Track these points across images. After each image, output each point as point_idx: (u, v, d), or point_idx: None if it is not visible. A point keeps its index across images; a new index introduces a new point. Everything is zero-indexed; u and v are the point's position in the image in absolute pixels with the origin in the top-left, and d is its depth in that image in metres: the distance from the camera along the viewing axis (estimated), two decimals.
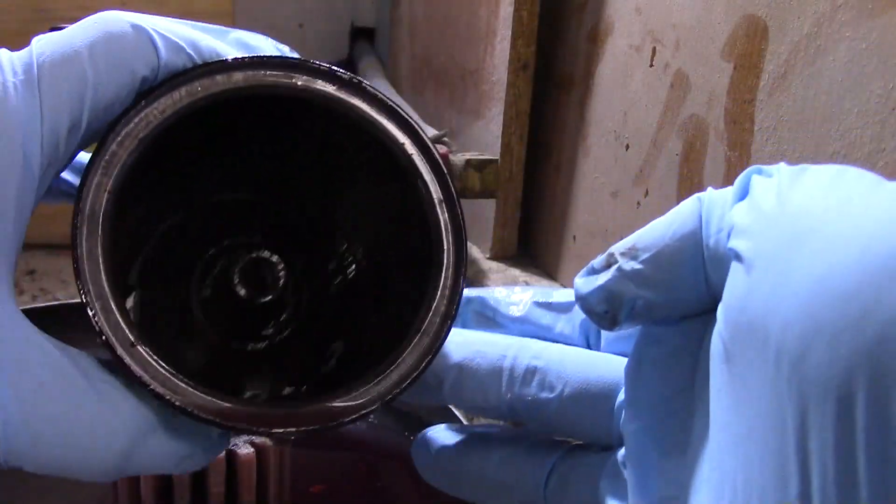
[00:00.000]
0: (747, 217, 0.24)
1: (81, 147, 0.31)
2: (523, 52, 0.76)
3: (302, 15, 1.39)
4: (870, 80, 0.39)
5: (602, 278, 0.28)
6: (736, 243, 0.24)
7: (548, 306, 0.33)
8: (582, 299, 0.28)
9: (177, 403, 0.29)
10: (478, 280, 0.75)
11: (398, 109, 0.34)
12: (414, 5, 1.15)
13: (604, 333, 0.33)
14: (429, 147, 0.34)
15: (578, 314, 0.33)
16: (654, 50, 0.59)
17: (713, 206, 0.26)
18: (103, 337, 0.29)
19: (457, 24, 0.94)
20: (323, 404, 0.31)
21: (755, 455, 0.22)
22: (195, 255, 0.39)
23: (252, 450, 0.49)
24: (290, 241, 0.39)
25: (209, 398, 0.29)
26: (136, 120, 0.30)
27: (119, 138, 0.30)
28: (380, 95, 0.34)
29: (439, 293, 0.33)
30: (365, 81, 0.34)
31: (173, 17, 0.35)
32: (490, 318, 0.34)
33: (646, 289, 0.27)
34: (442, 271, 0.33)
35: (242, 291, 0.36)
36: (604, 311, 0.28)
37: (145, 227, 0.38)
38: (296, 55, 0.35)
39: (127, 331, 0.29)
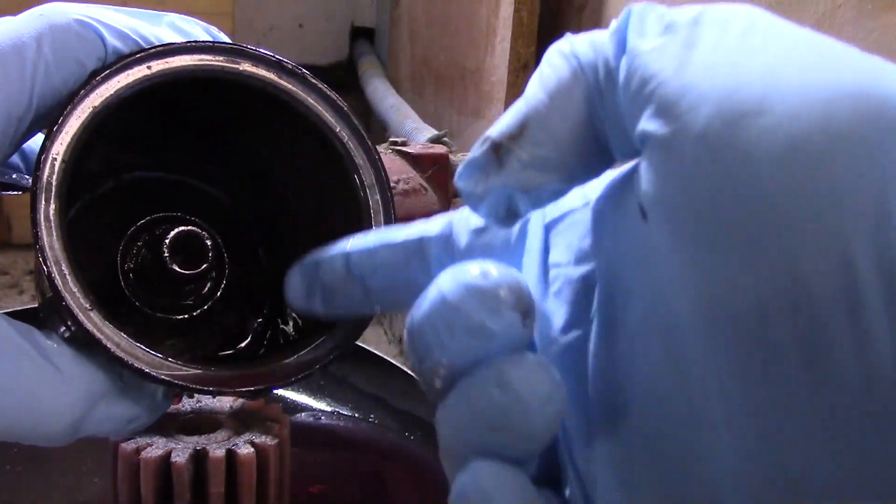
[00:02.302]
0: (649, 89, 0.21)
1: (28, 134, 0.32)
2: (523, 52, 0.76)
3: (302, 15, 1.39)
4: None
5: (498, 174, 0.24)
6: (650, 125, 0.21)
7: (395, 247, 0.29)
8: (476, 201, 0.25)
9: (136, 366, 0.30)
10: None
11: (335, 98, 0.37)
12: (414, 5, 1.15)
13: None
14: (362, 134, 0.37)
15: (428, 252, 0.29)
16: None
17: (592, 61, 0.23)
18: (63, 302, 0.30)
19: (457, 24, 0.94)
20: (273, 364, 0.34)
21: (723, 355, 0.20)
22: (122, 226, 0.40)
23: (252, 450, 0.49)
24: (218, 219, 0.41)
25: (165, 361, 0.31)
26: (92, 95, 0.32)
27: (75, 111, 0.32)
28: (319, 84, 0.36)
29: None
30: (305, 71, 0.36)
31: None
32: (343, 280, 0.30)
33: (552, 172, 0.24)
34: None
35: (172, 263, 0.37)
36: (506, 210, 0.25)
37: (84, 185, 0.39)
38: (227, 39, 0.36)
39: (82, 297, 0.30)
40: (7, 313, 0.71)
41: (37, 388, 0.29)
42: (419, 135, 0.79)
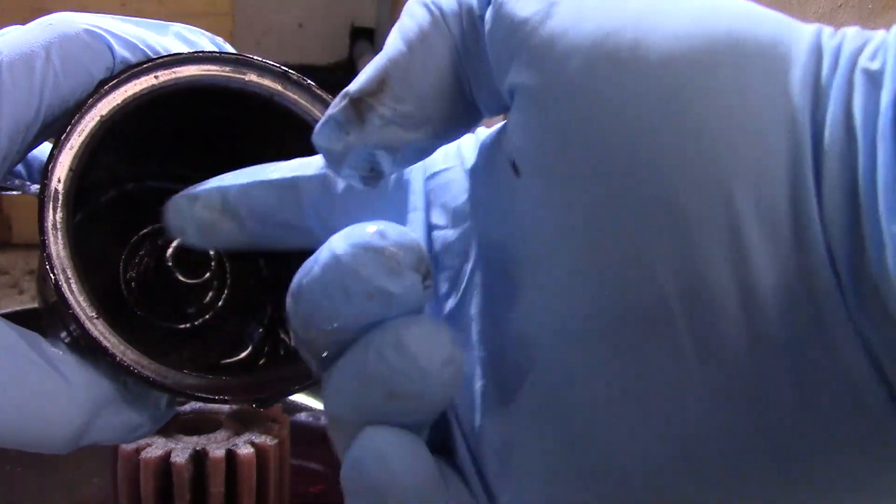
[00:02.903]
0: (515, 42, 0.21)
1: (35, 143, 0.32)
2: None
3: (302, 15, 1.39)
4: None
5: (359, 132, 0.23)
6: (517, 76, 0.21)
7: (270, 185, 0.28)
8: (335, 162, 0.23)
9: (143, 374, 0.31)
10: None
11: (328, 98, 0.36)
12: None
13: (337, 213, 0.27)
14: None
15: (303, 194, 0.27)
16: None
17: (453, 14, 0.22)
18: (70, 310, 0.30)
19: None
20: (278, 372, 0.34)
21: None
22: (125, 235, 0.40)
23: (252, 450, 0.49)
24: None
25: (170, 370, 0.31)
26: (99, 104, 0.32)
27: (83, 120, 0.32)
28: (324, 95, 0.36)
29: None
30: (311, 82, 0.36)
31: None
32: (219, 213, 0.29)
33: (415, 130, 0.23)
34: None
35: (174, 271, 0.37)
36: (369, 170, 0.23)
37: (87, 195, 0.39)
38: (232, 49, 0.37)
39: (87, 304, 0.31)
40: (7, 314, 0.71)
41: (42, 395, 0.29)
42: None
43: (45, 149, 0.32)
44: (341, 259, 0.22)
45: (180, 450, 0.48)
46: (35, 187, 0.40)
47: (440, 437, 0.25)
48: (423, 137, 0.23)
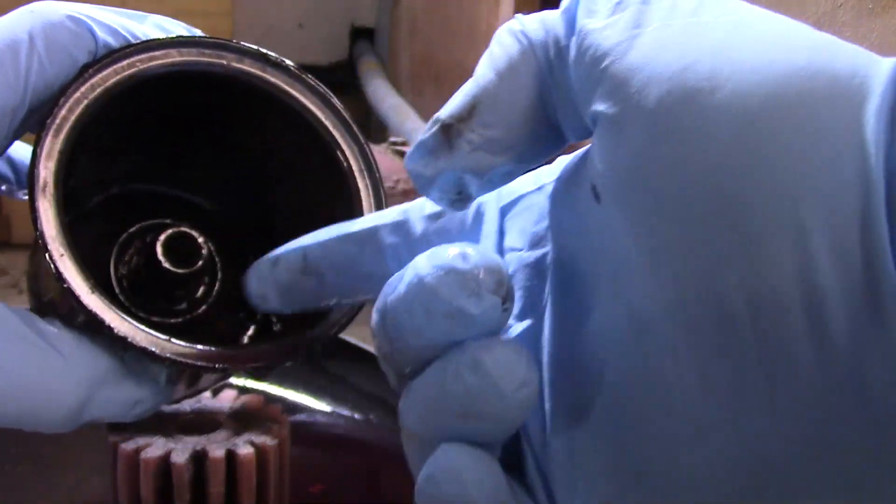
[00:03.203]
0: (600, 70, 0.21)
1: (23, 129, 0.33)
2: None
3: (302, 15, 1.39)
4: None
5: (447, 159, 0.23)
6: (601, 105, 0.21)
7: (349, 238, 0.29)
8: (426, 184, 0.24)
9: (139, 345, 0.31)
10: None
11: (319, 87, 0.37)
12: (414, 5, 1.15)
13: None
14: (348, 121, 0.37)
15: (382, 241, 0.28)
16: None
17: (542, 41, 0.23)
18: (65, 284, 0.30)
19: (457, 24, 0.94)
20: (269, 344, 0.34)
21: (679, 337, 0.20)
22: (113, 235, 0.41)
23: (252, 450, 0.49)
24: (207, 227, 0.41)
25: (167, 341, 0.32)
26: (83, 88, 0.33)
27: (68, 104, 0.32)
28: (303, 75, 0.37)
29: None
30: (289, 62, 0.37)
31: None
32: (300, 273, 0.30)
33: (502, 154, 0.23)
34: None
35: (165, 262, 0.38)
36: (457, 193, 0.24)
37: (75, 199, 0.40)
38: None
39: (83, 280, 0.31)
40: None
41: (39, 372, 0.30)
42: (419, 135, 0.79)
43: (28, 152, 0.33)
44: (424, 279, 0.22)
45: (180, 450, 0.48)
46: (23, 194, 0.40)
47: (512, 455, 0.25)
48: (510, 161, 0.24)
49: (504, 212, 0.27)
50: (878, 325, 0.18)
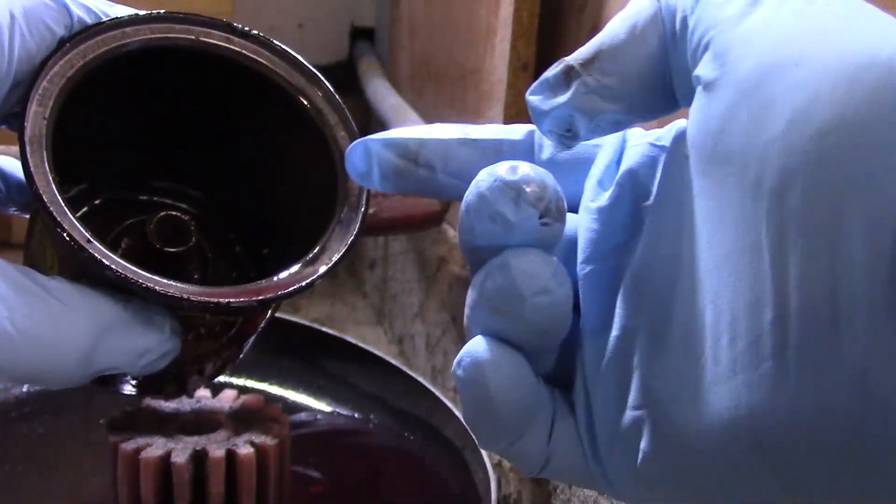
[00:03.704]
0: (710, 36, 0.23)
1: (6, 103, 0.34)
2: (523, 52, 0.76)
3: (302, 15, 1.39)
4: None
5: (563, 97, 0.25)
6: (702, 70, 0.23)
7: (472, 144, 0.30)
8: (539, 117, 0.26)
9: (141, 284, 0.31)
10: None
11: (290, 53, 0.38)
12: (414, 5, 1.15)
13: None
14: (317, 77, 0.38)
15: (505, 154, 0.29)
16: None
17: (672, 7, 0.25)
18: (65, 234, 0.31)
19: (457, 24, 0.94)
20: (270, 281, 0.34)
21: (727, 288, 0.21)
22: (103, 235, 0.40)
23: (252, 450, 0.49)
24: (196, 218, 0.42)
25: (167, 281, 0.32)
26: (62, 62, 0.34)
27: (49, 76, 0.34)
28: (271, 42, 0.38)
29: (349, 193, 0.37)
30: (256, 31, 0.38)
31: None
32: (412, 162, 0.31)
33: (613, 102, 0.25)
34: (348, 181, 0.36)
35: (156, 243, 0.38)
36: (565, 130, 0.26)
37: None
38: None
39: (82, 229, 0.32)
40: None
41: (45, 321, 0.30)
42: None
43: (17, 165, 0.34)
44: (479, 184, 0.25)
45: (180, 450, 0.48)
46: (11, 206, 0.41)
47: (565, 373, 0.27)
48: (619, 111, 0.25)
49: (618, 159, 0.28)
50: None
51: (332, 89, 0.39)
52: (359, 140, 0.31)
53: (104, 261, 0.31)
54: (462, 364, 0.25)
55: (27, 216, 0.41)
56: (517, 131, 0.30)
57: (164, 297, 0.32)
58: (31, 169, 0.32)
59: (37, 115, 0.33)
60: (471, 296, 0.26)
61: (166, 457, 0.47)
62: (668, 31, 0.25)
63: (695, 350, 0.22)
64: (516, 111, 0.77)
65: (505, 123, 0.79)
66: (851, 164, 0.19)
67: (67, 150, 0.35)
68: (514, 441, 0.25)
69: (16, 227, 1.28)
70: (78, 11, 0.35)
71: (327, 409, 0.72)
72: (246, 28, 0.38)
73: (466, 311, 0.26)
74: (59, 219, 0.31)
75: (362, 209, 0.37)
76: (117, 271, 0.31)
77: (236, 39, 0.38)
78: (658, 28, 0.25)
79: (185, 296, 0.32)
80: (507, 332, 0.25)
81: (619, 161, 0.27)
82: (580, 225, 0.27)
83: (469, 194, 0.26)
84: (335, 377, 0.73)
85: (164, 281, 0.32)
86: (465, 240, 0.26)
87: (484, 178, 0.25)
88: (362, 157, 0.31)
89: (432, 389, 0.68)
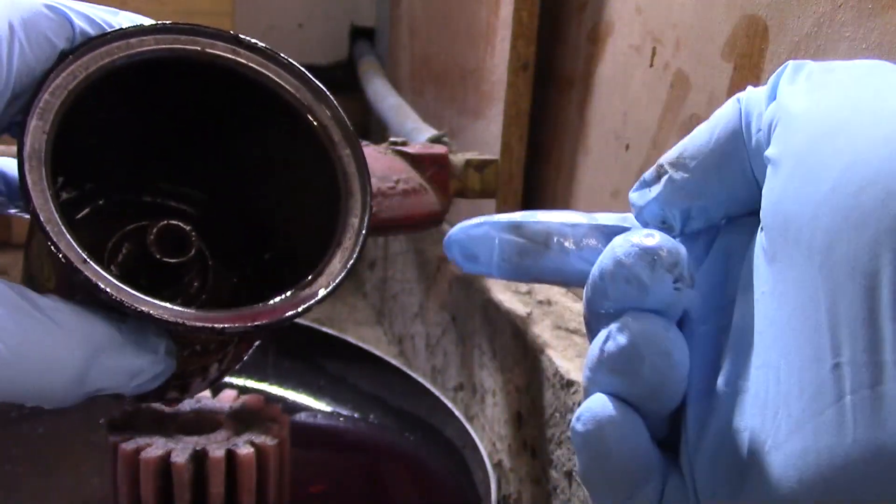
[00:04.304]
0: (776, 120, 0.25)
1: (5, 114, 0.34)
2: (523, 52, 0.76)
3: (302, 15, 1.39)
4: None
5: (654, 191, 0.28)
6: (770, 150, 0.25)
7: (603, 229, 0.32)
8: (638, 212, 0.29)
9: (136, 308, 0.31)
10: (478, 281, 0.75)
11: (296, 66, 0.38)
12: (414, 5, 1.15)
13: None
14: (324, 93, 0.38)
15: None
16: (654, 50, 0.59)
17: (751, 106, 0.26)
18: (60, 255, 0.30)
19: (457, 24, 0.94)
20: (267, 306, 0.34)
21: (793, 345, 0.23)
22: (103, 241, 0.40)
23: (252, 450, 0.49)
24: (194, 229, 0.41)
25: (163, 304, 0.32)
26: (64, 74, 0.34)
27: (50, 88, 0.33)
28: (279, 56, 0.37)
29: (349, 214, 0.37)
30: (262, 43, 0.37)
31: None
32: (542, 244, 0.32)
33: (697, 196, 0.28)
34: (350, 196, 0.37)
35: (156, 253, 0.38)
36: (660, 222, 0.29)
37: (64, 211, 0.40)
38: None
39: (78, 250, 0.31)
40: None
41: (38, 341, 0.30)
42: (419, 135, 0.79)
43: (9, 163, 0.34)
44: (615, 249, 0.27)
45: (180, 450, 0.48)
46: (14, 209, 0.40)
47: (675, 437, 0.28)
48: (705, 204, 0.28)
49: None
50: None
51: (337, 105, 0.38)
52: (474, 222, 0.32)
53: (99, 284, 0.31)
54: (582, 419, 0.26)
55: (28, 216, 0.40)
56: (611, 219, 0.32)
57: (160, 322, 0.32)
58: (30, 186, 0.31)
59: (37, 130, 0.32)
60: (591, 357, 0.27)
61: (166, 457, 0.47)
62: (747, 127, 0.26)
63: (773, 406, 0.23)
64: (516, 111, 0.77)
65: (505, 123, 0.79)
66: (887, 213, 0.21)
67: (71, 153, 0.34)
68: (626, 499, 0.26)
69: (16, 227, 1.28)
70: (80, 23, 0.35)
71: (327, 409, 0.72)
72: (253, 41, 0.38)
73: (585, 371, 0.27)
74: (55, 239, 0.31)
75: (363, 233, 0.37)
76: (112, 295, 0.31)
77: (243, 51, 0.37)
78: (737, 127, 0.27)
79: (180, 321, 0.32)
80: (627, 393, 0.26)
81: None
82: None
83: (604, 261, 0.27)
84: (335, 377, 0.73)
85: (160, 304, 0.32)
86: (596, 304, 0.27)
87: (620, 245, 0.27)
88: (481, 237, 0.32)
89: (432, 389, 0.68)
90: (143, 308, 0.31)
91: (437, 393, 0.67)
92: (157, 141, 0.41)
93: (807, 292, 0.22)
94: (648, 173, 0.29)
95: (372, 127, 1.37)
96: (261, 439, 0.50)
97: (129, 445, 0.48)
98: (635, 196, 0.29)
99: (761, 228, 0.25)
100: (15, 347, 0.29)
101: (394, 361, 0.73)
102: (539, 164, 0.80)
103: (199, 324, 0.32)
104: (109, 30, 0.35)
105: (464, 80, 0.91)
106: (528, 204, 0.80)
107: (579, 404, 0.28)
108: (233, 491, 0.48)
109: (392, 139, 0.66)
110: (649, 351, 0.26)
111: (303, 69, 0.38)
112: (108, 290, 0.31)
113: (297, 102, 0.38)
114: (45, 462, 0.61)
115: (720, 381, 0.26)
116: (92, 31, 0.35)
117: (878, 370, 0.20)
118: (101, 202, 0.42)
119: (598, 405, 0.26)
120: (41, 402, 0.31)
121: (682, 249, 0.27)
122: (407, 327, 0.96)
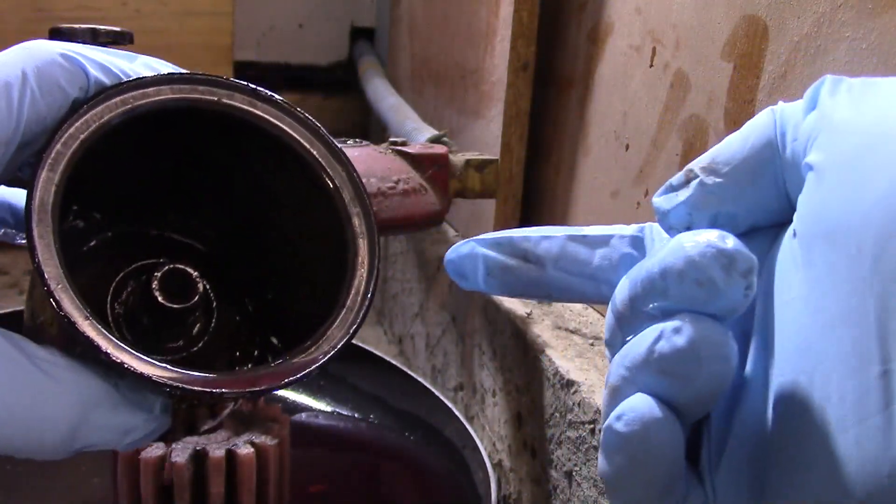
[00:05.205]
0: (819, 129, 0.25)
1: (13, 163, 0.33)
2: (523, 52, 0.76)
3: (302, 15, 1.39)
4: None
5: (683, 195, 0.28)
6: (812, 157, 0.25)
7: (582, 240, 0.32)
8: (663, 216, 0.29)
9: (136, 371, 0.31)
10: None
11: (311, 120, 0.38)
12: (414, 5, 1.15)
13: None
14: (338, 151, 0.38)
15: (616, 248, 0.32)
16: (654, 50, 0.59)
17: (786, 117, 0.26)
18: (61, 311, 0.30)
19: (457, 24, 0.94)
20: (267, 369, 0.34)
21: (830, 352, 0.22)
22: (109, 276, 0.40)
23: (252, 450, 0.49)
24: (201, 267, 0.41)
25: (162, 367, 0.32)
26: (78, 124, 0.33)
27: (63, 139, 0.33)
28: (294, 109, 0.38)
29: (357, 274, 0.37)
30: (280, 98, 0.38)
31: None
32: (521, 259, 0.33)
33: (727, 202, 0.27)
34: (358, 259, 0.37)
35: (161, 297, 0.38)
36: (685, 227, 0.28)
37: (70, 241, 0.39)
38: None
39: (81, 307, 0.31)
40: (7, 313, 0.71)
41: (31, 396, 0.30)
42: (419, 135, 0.79)
43: (19, 194, 0.34)
44: (685, 247, 0.25)
45: (180, 450, 0.48)
46: (21, 238, 0.40)
47: (694, 444, 0.27)
48: (735, 211, 0.27)
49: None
50: None
51: (350, 162, 0.38)
52: (459, 244, 0.33)
53: (100, 345, 0.31)
54: (624, 419, 0.25)
55: None
56: (627, 228, 0.32)
57: (159, 386, 0.32)
58: (36, 241, 0.31)
59: (47, 182, 0.32)
60: (633, 355, 0.26)
61: (166, 457, 0.47)
62: (781, 137, 0.26)
63: (804, 415, 0.23)
64: (516, 111, 0.77)
65: (505, 123, 0.79)
66: None
67: (80, 187, 0.34)
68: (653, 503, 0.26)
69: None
70: (95, 72, 0.34)
71: (327, 409, 0.72)
72: (270, 94, 0.38)
73: (620, 370, 0.26)
74: (58, 297, 0.31)
75: (369, 296, 0.37)
76: (112, 357, 0.31)
77: (259, 104, 0.37)
78: (771, 136, 0.27)
79: (179, 385, 0.32)
80: (675, 396, 0.25)
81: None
82: None
83: (668, 259, 0.25)
84: (335, 377, 0.73)
85: (160, 367, 0.32)
86: (644, 301, 0.26)
87: (692, 244, 0.25)
88: (468, 255, 0.32)
89: (432, 389, 0.68)
90: (143, 370, 0.31)
91: (437, 393, 0.67)
92: (168, 179, 0.41)
93: (851, 299, 0.22)
94: (676, 178, 0.28)
95: (372, 127, 1.37)
96: (261, 439, 0.50)
97: None
98: (661, 200, 0.29)
99: (793, 235, 0.25)
100: (6, 403, 0.29)
101: (394, 361, 0.73)
102: (539, 164, 0.80)
103: (197, 388, 0.32)
104: (125, 79, 0.34)
105: (464, 80, 0.91)
106: (528, 204, 0.80)
107: (609, 405, 0.27)
108: (233, 491, 0.48)
109: (392, 139, 0.66)
110: (709, 356, 0.25)
111: (317, 123, 0.38)
112: (108, 351, 0.31)
113: (311, 158, 0.38)
114: (45, 462, 0.61)
115: (747, 389, 0.26)
116: (107, 81, 0.34)
117: None
118: (108, 234, 0.41)
119: (643, 406, 0.25)
120: (30, 456, 0.31)
121: (754, 256, 0.25)
122: (407, 327, 0.96)
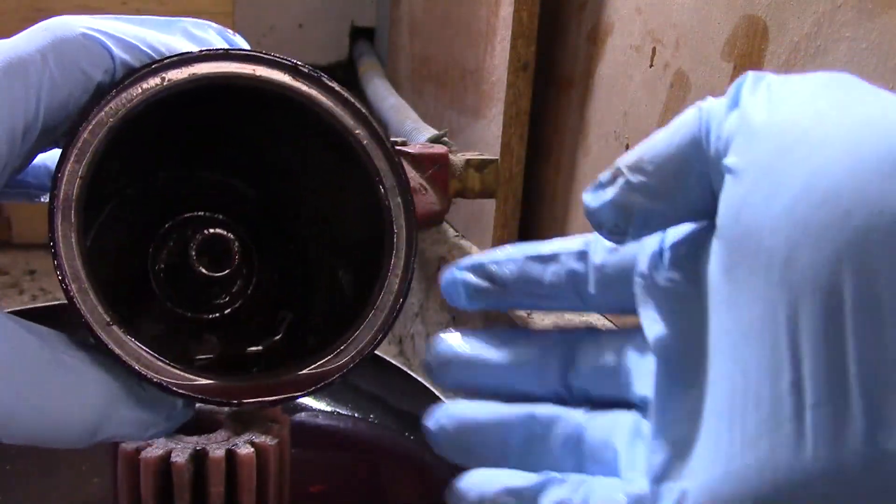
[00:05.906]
0: (736, 130, 0.24)
1: (38, 148, 0.32)
2: (523, 52, 0.76)
3: (302, 15, 1.39)
4: (869, 80, 0.39)
5: (610, 192, 0.28)
6: (729, 159, 0.24)
7: (538, 258, 0.33)
8: (591, 214, 0.29)
9: (154, 380, 0.31)
10: None
11: (352, 100, 0.37)
12: (414, 5, 1.15)
13: (592, 282, 0.32)
14: (380, 135, 0.37)
15: (564, 264, 0.32)
16: (654, 50, 0.59)
17: (712, 115, 0.26)
18: (83, 318, 0.30)
19: (457, 24, 0.94)
20: (285, 377, 0.34)
21: (750, 357, 0.22)
22: (153, 226, 0.40)
23: (252, 450, 0.49)
24: (246, 214, 0.41)
25: (184, 373, 0.32)
26: (106, 109, 0.32)
27: (90, 127, 0.32)
28: (334, 85, 0.36)
29: (391, 273, 0.36)
30: (321, 73, 0.36)
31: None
32: (489, 281, 0.34)
33: (653, 200, 0.27)
34: (394, 252, 0.36)
35: (199, 266, 0.38)
36: (613, 225, 0.28)
37: (112, 186, 0.39)
38: (242, 41, 0.36)
39: (102, 312, 0.31)
40: (38, 308, 0.71)
41: (56, 391, 0.30)
42: (419, 135, 0.79)
43: (54, 156, 0.32)
44: None
45: (180, 450, 0.48)
46: (44, 198, 0.40)
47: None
48: (661, 210, 0.27)
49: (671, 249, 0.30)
50: None
51: (392, 147, 0.38)
52: (446, 271, 0.34)
53: (120, 354, 0.31)
54: None
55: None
56: (575, 242, 0.33)
57: (180, 396, 0.32)
58: (59, 237, 0.30)
59: (72, 174, 0.31)
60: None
61: (166, 457, 0.47)
62: (706, 135, 0.26)
63: (728, 419, 0.23)
64: (516, 111, 0.77)
65: (505, 123, 0.79)
66: (849, 226, 0.20)
67: (106, 167, 0.33)
68: None
69: (16, 228, 1.28)
70: (120, 53, 0.32)
71: (327, 409, 0.72)
72: (310, 69, 0.36)
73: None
74: (79, 300, 0.30)
75: (401, 300, 0.36)
76: (132, 366, 0.31)
77: (300, 79, 0.36)
78: (696, 134, 0.26)
79: (200, 395, 0.32)
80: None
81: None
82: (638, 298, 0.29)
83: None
84: None
85: (182, 376, 0.32)
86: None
87: None
88: (450, 281, 0.34)
89: (432, 389, 0.68)
90: (164, 380, 0.31)
91: (437, 393, 0.67)
92: (203, 148, 0.41)
93: (765, 305, 0.22)
94: (604, 175, 0.28)
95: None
96: (261, 439, 0.50)
97: (129, 445, 0.48)
98: (589, 197, 0.28)
99: (716, 237, 0.25)
100: (32, 398, 0.29)
101: (394, 361, 0.73)
102: (539, 164, 0.80)
103: (218, 398, 0.32)
104: (153, 59, 0.33)
105: (464, 80, 0.91)
106: (528, 204, 0.80)
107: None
108: (233, 491, 0.48)
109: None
110: None
111: (360, 104, 0.37)
112: (127, 360, 0.31)
113: (357, 143, 0.37)
114: (45, 462, 0.61)
115: (676, 388, 0.26)
116: (133, 61, 0.32)
117: (840, 384, 0.20)
118: (151, 178, 0.41)
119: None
120: (53, 445, 0.31)
121: None
122: (407, 327, 0.96)
